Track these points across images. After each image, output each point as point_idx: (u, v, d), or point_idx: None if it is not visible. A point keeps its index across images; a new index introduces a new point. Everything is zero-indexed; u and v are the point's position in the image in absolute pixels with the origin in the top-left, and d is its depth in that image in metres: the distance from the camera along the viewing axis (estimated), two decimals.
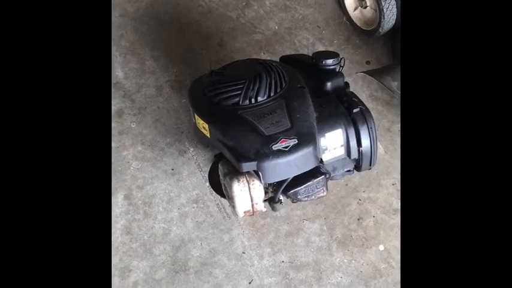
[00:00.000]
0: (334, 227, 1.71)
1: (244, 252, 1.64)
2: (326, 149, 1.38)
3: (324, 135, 1.36)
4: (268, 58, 1.91)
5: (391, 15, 1.85)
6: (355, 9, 2.06)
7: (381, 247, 1.69)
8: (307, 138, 1.29)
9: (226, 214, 1.69)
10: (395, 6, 1.84)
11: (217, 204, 1.70)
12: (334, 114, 1.40)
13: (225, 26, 2.06)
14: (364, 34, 2.06)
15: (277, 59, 1.70)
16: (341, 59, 1.54)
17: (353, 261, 1.65)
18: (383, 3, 1.83)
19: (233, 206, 1.37)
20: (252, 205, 1.35)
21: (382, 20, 1.87)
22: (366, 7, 1.99)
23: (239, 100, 1.36)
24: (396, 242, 1.70)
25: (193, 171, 1.76)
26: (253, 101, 1.36)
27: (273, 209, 1.40)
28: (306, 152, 1.28)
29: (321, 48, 2.03)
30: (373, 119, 1.41)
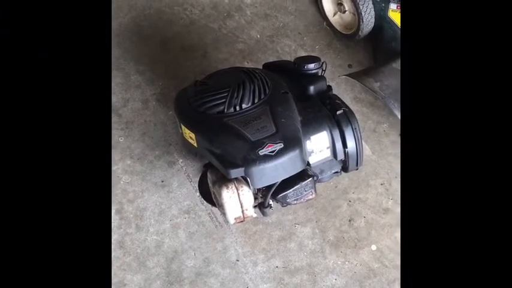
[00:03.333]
0: (326, 229, 1.72)
1: (238, 260, 1.65)
2: (312, 152, 1.40)
3: (309, 138, 1.38)
4: (252, 66, 1.93)
5: (369, 18, 1.89)
6: (334, 14, 2.09)
7: (373, 247, 1.70)
8: (292, 142, 1.31)
9: (218, 223, 1.70)
10: (372, 9, 1.88)
11: (209, 213, 1.71)
12: (318, 117, 1.42)
13: (207, 38, 2.08)
14: (345, 38, 2.10)
15: (261, 67, 1.73)
16: (322, 63, 1.56)
17: (346, 262, 1.66)
18: (361, 7, 1.87)
19: (224, 214, 1.38)
20: (242, 211, 1.36)
21: (361, 23, 1.91)
22: (344, 12, 2.02)
23: (224, 108, 1.37)
24: (388, 241, 1.72)
25: (183, 182, 1.76)
26: (237, 108, 1.38)
27: (264, 214, 1.42)
28: (293, 155, 1.30)
29: (303, 54, 2.06)
30: (356, 120, 1.44)
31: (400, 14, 1.84)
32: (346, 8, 2.01)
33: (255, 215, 1.42)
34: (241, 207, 1.35)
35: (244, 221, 1.40)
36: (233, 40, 2.09)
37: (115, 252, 1.63)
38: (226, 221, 1.43)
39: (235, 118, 1.36)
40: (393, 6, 1.85)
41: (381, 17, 1.89)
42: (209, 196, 1.54)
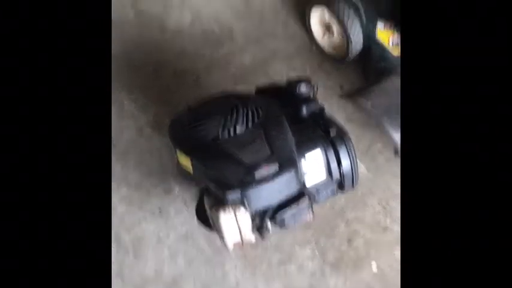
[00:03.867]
0: (326, 250, 1.71)
1: (238, 285, 1.63)
2: (308, 173, 1.40)
3: (304, 159, 1.39)
4: (244, 90, 1.95)
5: (357, 39, 1.93)
6: (323, 37, 2.13)
7: (374, 266, 1.69)
8: (288, 163, 1.32)
9: (217, 248, 1.69)
10: (360, 31, 1.92)
11: (207, 239, 1.70)
12: (312, 137, 1.43)
13: (199, 64, 2.11)
14: (335, 60, 2.13)
15: (253, 90, 1.75)
16: (314, 84, 1.58)
17: (347, 282, 1.65)
18: (349, 29, 1.91)
19: (222, 238, 1.38)
20: (241, 235, 1.35)
21: (350, 45, 1.94)
22: (333, 34, 2.06)
23: (218, 133, 1.38)
24: (388, 260, 1.71)
25: (180, 208, 1.76)
26: (232, 132, 1.39)
27: (262, 237, 1.41)
28: (288, 176, 1.30)
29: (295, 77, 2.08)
30: (350, 139, 1.45)
31: (388, 35, 1.87)
32: (335, 31, 2.04)
33: (253, 240, 1.41)
34: (240, 230, 1.34)
35: (243, 245, 1.40)
36: (225, 65, 2.11)
37: (114, 283, 1.61)
38: (225, 246, 1.43)
39: (230, 142, 1.37)
40: (381, 26, 1.88)
41: (369, 38, 1.93)
42: (207, 221, 1.53)
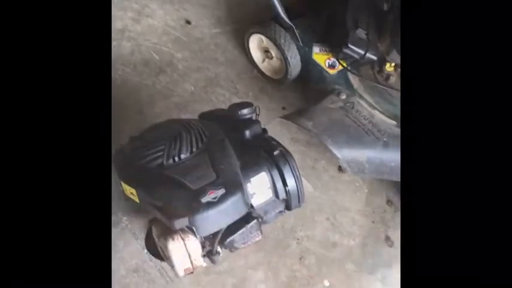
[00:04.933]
0: (278, 270, 1.72)
1: None
2: (254, 194, 1.42)
3: (250, 181, 1.41)
4: (188, 117, 1.96)
5: (295, 62, 2.00)
6: (263, 61, 2.19)
7: (326, 282, 1.73)
8: (233, 186, 1.33)
9: (169, 278, 1.66)
10: (298, 53, 1.99)
11: (159, 269, 1.68)
12: (256, 159, 1.45)
13: (142, 94, 2.10)
14: (276, 82, 2.19)
15: (197, 117, 1.76)
16: (255, 107, 1.62)
17: None
18: (287, 53, 1.97)
19: (172, 266, 1.36)
20: (191, 261, 1.34)
21: (289, 67, 2.01)
22: (272, 58, 2.12)
23: (163, 160, 1.38)
24: (339, 275, 1.75)
25: (129, 240, 1.73)
26: (176, 159, 1.38)
27: (213, 261, 1.41)
28: (235, 199, 1.31)
29: (237, 101, 2.12)
30: (294, 159, 1.48)
31: (324, 56, 1.95)
32: (273, 55, 2.11)
33: (204, 264, 1.40)
34: (189, 257, 1.33)
35: (193, 272, 1.39)
36: (168, 94, 2.12)
37: None
38: (177, 275, 1.41)
39: (175, 169, 1.36)
40: (316, 49, 1.96)
41: (307, 60, 2.00)
42: (157, 251, 1.51)
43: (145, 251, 1.69)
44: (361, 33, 1.80)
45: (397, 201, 2.01)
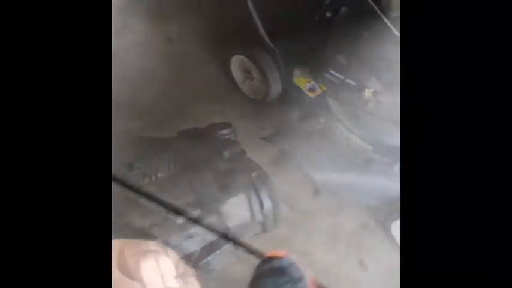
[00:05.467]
0: None
1: None
2: (230, 215, 1.42)
3: (227, 202, 1.40)
4: (168, 135, 1.96)
5: (276, 84, 2.02)
6: (243, 81, 2.20)
7: None
8: (210, 208, 1.32)
9: None
10: (279, 76, 2.01)
11: None
12: (234, 181, 1.45)
13: (120, 112, 2.08)
14: (256, 103, 2.20)
15: (176, 135, 1.75)
16: (235, 128, 1.62)
17: None
18: (268, 74, 1.99)
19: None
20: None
21: (269, 89, 2.03)
22: (253, 79, 2.14)
23: (139, 181, 1.37)
24: None
25: None
26: (153, 178, 1.38)
27: (186, 283, 1.39)
28: (211, 220, 1.31)
29: (217, 121, 2.12)
30: (271, 181, 1.48)
31: (304, 80, 1.98)
32: (254, 76, 2.12)
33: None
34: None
35: None
36: (147, 111, 2.10)
37: None
38: None
39: (152, 188, 1.35)
40: (297, 72, 1.99)
41: (287, 83, 2.02)
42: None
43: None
44: (341, 58, 1.83)
45: (372, 224, 2.03)
